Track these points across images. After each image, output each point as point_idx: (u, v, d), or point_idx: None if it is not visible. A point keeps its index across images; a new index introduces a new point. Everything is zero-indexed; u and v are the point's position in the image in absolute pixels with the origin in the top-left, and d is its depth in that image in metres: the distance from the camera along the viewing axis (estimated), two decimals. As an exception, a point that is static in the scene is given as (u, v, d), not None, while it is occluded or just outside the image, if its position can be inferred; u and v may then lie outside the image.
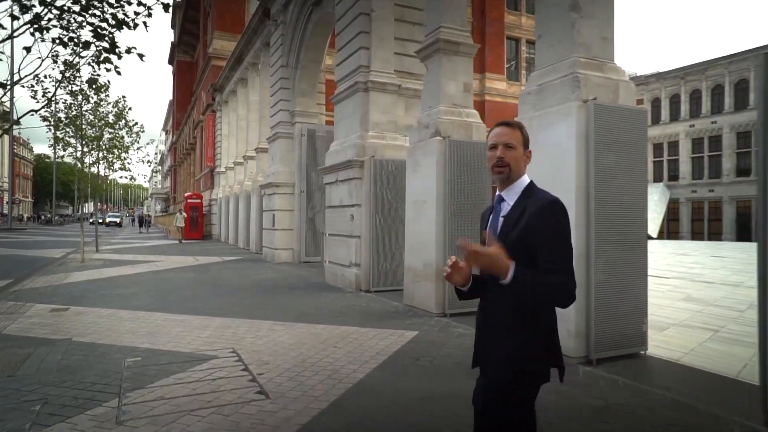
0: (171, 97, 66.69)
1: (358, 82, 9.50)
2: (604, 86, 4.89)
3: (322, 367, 4.73)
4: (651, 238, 36.88)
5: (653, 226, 39.50)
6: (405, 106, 10.04)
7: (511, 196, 1.90)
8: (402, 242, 9.35)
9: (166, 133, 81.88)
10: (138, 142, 19.59)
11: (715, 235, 40.47)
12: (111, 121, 17.00)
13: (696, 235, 41.52)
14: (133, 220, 68.81)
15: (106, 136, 17.97)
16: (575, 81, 4.78)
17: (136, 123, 17.48)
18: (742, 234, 39.31)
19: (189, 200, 28.19)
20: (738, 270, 13.36)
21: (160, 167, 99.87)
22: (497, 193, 1.96)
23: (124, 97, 16.53)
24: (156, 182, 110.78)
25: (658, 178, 43.98)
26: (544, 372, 1.84)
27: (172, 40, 57.97)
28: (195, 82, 40.42)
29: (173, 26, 59.85)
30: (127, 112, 16.70)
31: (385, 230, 9.27)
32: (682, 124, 43.10)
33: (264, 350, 5.33)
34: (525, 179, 1.91)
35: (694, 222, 42.19)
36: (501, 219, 1.90)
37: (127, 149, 19.12)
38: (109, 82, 16.75)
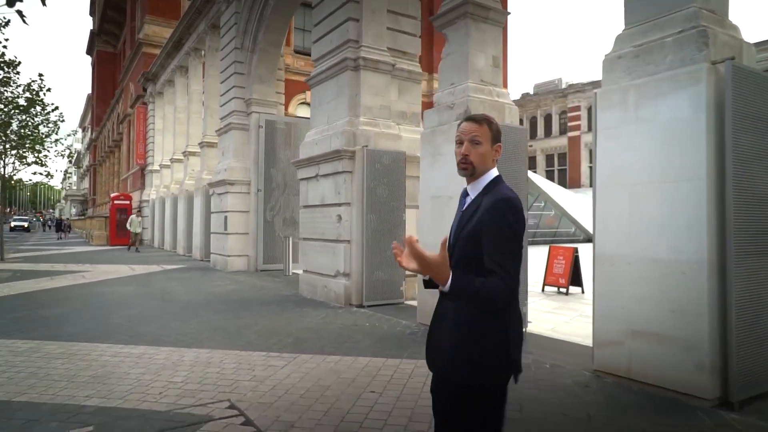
0: (89, 91, 61.04)
1: (346, 59, 8.05)
2: (729, 46, 3.83)
3: (377, 429, 3.29)
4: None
5: None
6: (398, 89, 8.72)
7: (473, 192, 1.88)
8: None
9: (83, 130, 74.89)
10: (57, 133, 16.87)
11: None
12: (22, 105, 14.32)
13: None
14: (44, 225, 62.30)
15: (15, 124, 15.22)
16: (702, 36, 3.68)
17: (56, 108, 14.81)
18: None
19: (116, 201, 25.13)
20: None
21: (75, 168, 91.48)
22: (463, 187, 1.94)
23: (41, 75, 13.89)
24: (71, 183, 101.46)
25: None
26: (490, 374, 1.75)
27: (92, 28, 52.94)
28: (121, 73, 36.76)
29: (92, 13, 54.70)
30: (44, 93, 14.05)
31: (380, 233, 7.88)
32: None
33: (275, 401, 3.78)
34: (491, 174, 1.87)
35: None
36: (460, 214, 1.91)
37: (42, 141, 16.36)
38: (17, 59, 14.04)
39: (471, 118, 1.89)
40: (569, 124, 47.69)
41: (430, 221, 6.30)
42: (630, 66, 4.11)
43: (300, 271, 12.48)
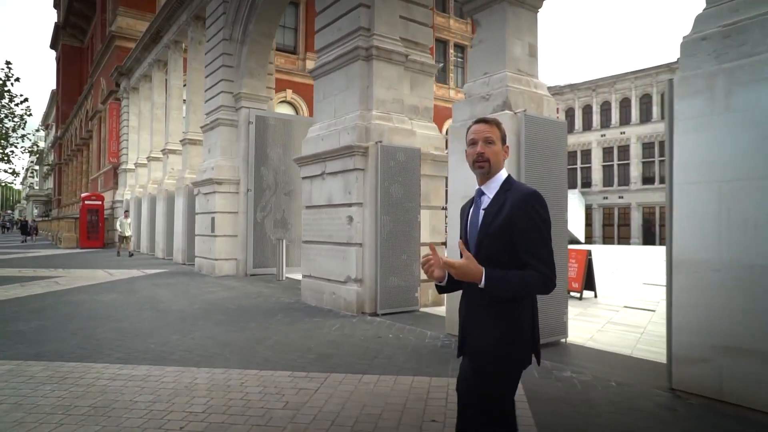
0: (53, 87, 58.40)
1: (358, 48, 7.47)
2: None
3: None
4: (579, 242, 38.16)
5: (580, 230, 41.07)
6: (411, 83, 8.17)
7: (490, 190, 1.95)
8: (416, 251, 7.47)
9: (46, 128, 71.69)
10: (23, 128, 15.71)
11: (624, 239, 43.02)
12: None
13: (607, 240, 43.88)
14: (4, 227, 59.29)
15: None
16: (812, 13, 3.26)
17: (26, 99, 13.71)
18: (647, 238, 42.16)
19: (87, 201, 23.79)
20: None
21: (38, 167, 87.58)
22: (477, 187, 2.01)
23: (9, 63, 12.78)
24: (33, 183, 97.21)
25: (572, 185, 45.97)
26: (527, 358, 1.90)
27: (56, 21, 50.66)
28: (90, 68, 35.11)
29: (57, 5, 52.35)
30: (12, 84, 12.96)
31: (394, 236, 7.31)
32: (594, 133, 45.43)
33: (325, 437, 3.18)
34: (503, 173, 1.98)
35: (605, 227, 44.56)
36: (482, 212, 1.94)
37: (7, 136, 15.20)
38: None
39: (482, 120, 2.02)
40: (547, 126, 47.99)
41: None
42: (718, 48, 3.67)
43: (295, 276, 11.85)
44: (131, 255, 18.31)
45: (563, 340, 5.56)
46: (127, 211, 18.72)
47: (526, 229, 1.80)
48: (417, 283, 7.55)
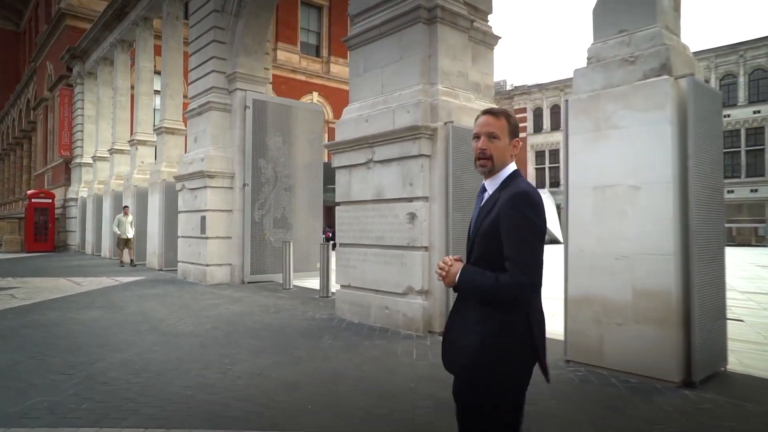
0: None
1: (420, 8, 6.10)
2: None
3: None
4: (559, 242, 37.98)
5: (557, 230, 41.00)
6: (472, 55, 6.88)
7: (491, 187, 1.85)
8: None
9: (-22, 121, 65.36)
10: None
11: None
12: None
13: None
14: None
15: None
16: None
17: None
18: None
19: (34, 200, 21.08)
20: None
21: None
22: (482, 182, 1.92)
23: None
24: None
25: (540, 185, 46.06)
26: (518, 369, 1.73)
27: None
28: (32, 52, 31.75)
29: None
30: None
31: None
32: (561, 133, 45.59)
33: None
34: (509, 169, 1.85)
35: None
36: (477, 210, 1.89)
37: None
38: None
39: (489, 111, 1.87)
40: (516, 125, 47.96)
41: (590, 220, 4.54)
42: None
43: (302, 284, 10.32)
44: (133, 265, 14.46)
45: (722, 369, 4.43)
46: (126, 207, 14.64)
47: (508, 230, 1.70)
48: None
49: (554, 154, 46.06)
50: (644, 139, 4.16)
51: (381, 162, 6.45)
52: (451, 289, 1.84)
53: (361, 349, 5.29)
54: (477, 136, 1.85)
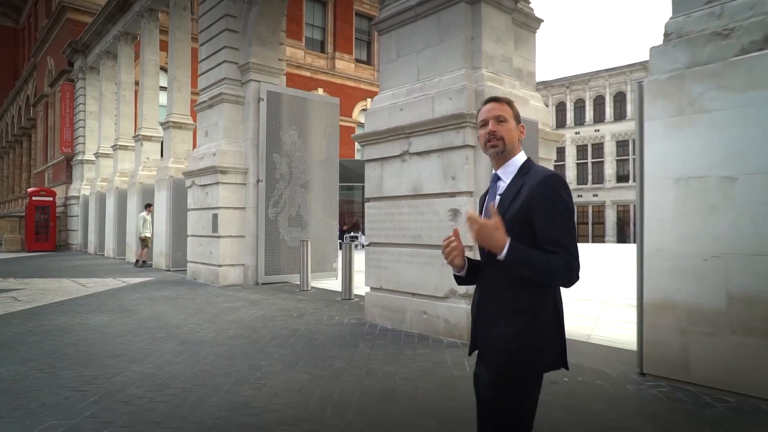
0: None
1: (463, -15, 5.59)
2: None
3: None
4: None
5: None
6: (514, 39, 6.36)
7: (507, 174, 1.82)
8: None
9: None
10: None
11: (599, 237, 43.00)
12: None
13: (581, 238, 43.73)
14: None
15: None
16: None
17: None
18: (621, 236, 42.30)
19: (35, 198, 20.55)
20: None
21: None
22: (493, 171, 1.88)
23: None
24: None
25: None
26: (547, 359, 1.69)
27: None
28: (32, 48, 31.18)
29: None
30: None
31: (515, 236, 5.49)
32: (568, 131, 45.19)
33: None
34: (521, 156, 1.84)
35: (579, 225, 44.39)
36: (498, 197, 1.81)
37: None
38: None
39: (492, 99, 1.88)
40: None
41: (671, 216, 4.02)
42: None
43: (321, 285, 9.81)
44: (142, 264, 13.77)
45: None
46: (150, 205, 13.68)
47: (547, 214, 1.65)
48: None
49: (560, 152, 45.36)
50: (742, 123, 3.64)
51: (418, 154, 5.93)
52: (484, 255, 1.76)
53: (404, 360, 4.77)
54: (485, 123, 1.84)
